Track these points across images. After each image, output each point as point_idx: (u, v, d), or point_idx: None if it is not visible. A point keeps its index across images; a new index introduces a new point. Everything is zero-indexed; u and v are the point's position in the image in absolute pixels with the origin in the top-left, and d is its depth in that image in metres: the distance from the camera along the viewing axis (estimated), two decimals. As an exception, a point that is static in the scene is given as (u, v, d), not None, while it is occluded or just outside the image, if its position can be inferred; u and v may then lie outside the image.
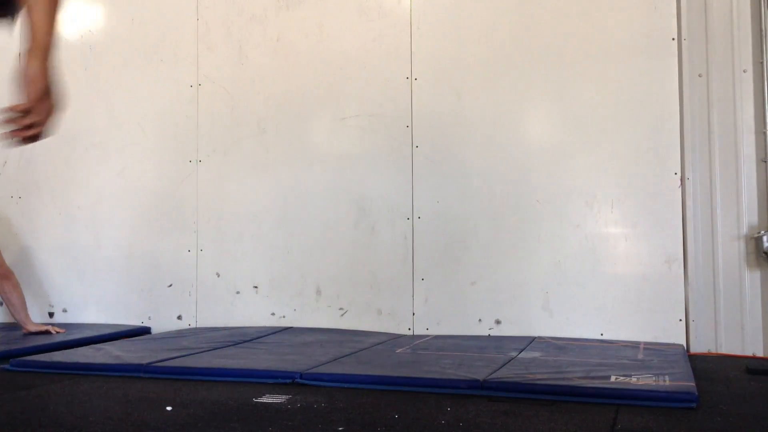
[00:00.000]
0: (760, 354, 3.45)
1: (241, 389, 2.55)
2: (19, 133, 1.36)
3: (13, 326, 4.06)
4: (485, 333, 3.76)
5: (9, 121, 1.35)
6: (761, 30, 3.50)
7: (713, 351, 3.50)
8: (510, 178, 3.78)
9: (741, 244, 3.50)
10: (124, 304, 4.39)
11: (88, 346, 3.48)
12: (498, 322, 3.77)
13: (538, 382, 2.51)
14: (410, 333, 3.88)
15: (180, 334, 3.90)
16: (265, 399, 2.40)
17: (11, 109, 1.35)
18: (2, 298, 3.99)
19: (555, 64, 3.74)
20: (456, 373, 2.66)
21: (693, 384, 2.46)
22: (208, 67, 4.32)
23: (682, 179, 3.55)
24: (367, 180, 4.01)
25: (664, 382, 2.49)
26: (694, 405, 2.28)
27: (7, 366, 3.02)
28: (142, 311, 4.36)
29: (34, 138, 1.38)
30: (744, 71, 3.53)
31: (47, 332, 3.87)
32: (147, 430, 2.03)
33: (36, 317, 4.45)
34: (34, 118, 1.35)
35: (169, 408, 2.27)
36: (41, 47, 1.38)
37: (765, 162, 3.48)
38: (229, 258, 4.24)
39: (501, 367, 2.79)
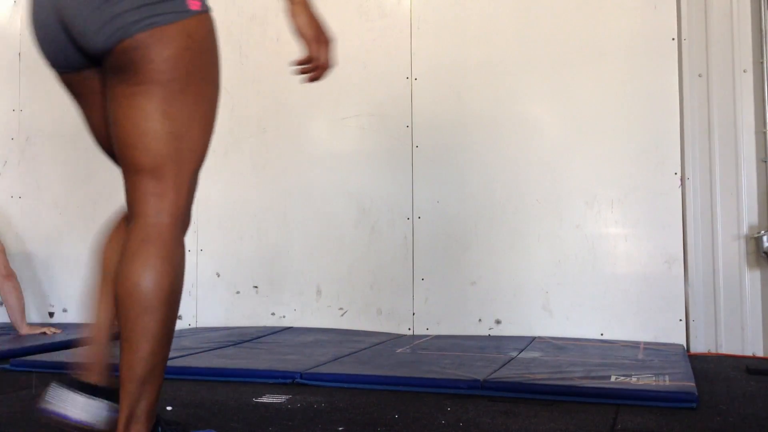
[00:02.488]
0: (760, 354, 3.45)
1: (241, 389, 2.56)
2: (313, 75, 1.70)
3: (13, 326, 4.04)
4: (485, 333, 3.76)
5: (303, 71, 1.70)
6: (761, 30, 3.50)
7: (713, 351, 3.50)
8: (510, 178, 3.78)
9: (741, 244, 3.50)
10: (124, 304, 4.38)
11: (88, 346, 3.48)
12: (498, 322, 3.76)
13: (538, 382, 2.51)
14: (410, 333, 3.88)
15: (180, 334, 3.89)
16: (265, 399, 2.40)
17: (300, 62, 1.70)
18: (1, 299, 3.98)
19: (555, 64, 3.74)
20: (456, 373, 2.66)
21: (693, 384, 2.46)
22: (208, 67, 4.30)
23: (682, 179, 3.55)
24: (367, 180, 4.01)
25: (664, 382, 2.49)
26: (694, 405, 2.29)
27: (7, 366, 3.02)
28: (142, 311, 4.34)
29: (324, 72, 1.71)
30: (744, 71, 3.53)
31: (43, 334, 3.85)
32: (147, 430, 2.03)
33: (36, 317, 4.45)
34: (319, 60, 1.69)
35: (169, 408, 2.27)
36: (302, 1, 1.71)
37: (765, 162, 3.48)
38: (229, 258, 4.24)
39: (501, 367, 2.79)
